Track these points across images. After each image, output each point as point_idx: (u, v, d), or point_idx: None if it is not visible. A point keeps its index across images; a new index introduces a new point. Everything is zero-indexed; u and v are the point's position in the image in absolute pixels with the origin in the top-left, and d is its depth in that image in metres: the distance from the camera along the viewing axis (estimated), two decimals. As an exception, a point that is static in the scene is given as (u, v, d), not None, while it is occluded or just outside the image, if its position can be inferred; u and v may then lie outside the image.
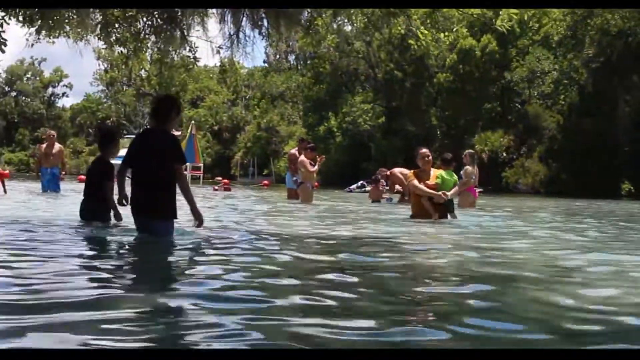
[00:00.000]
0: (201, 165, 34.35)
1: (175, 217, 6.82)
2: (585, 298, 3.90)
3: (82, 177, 41.57)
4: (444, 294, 4.08)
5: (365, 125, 54.84)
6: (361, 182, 34.35)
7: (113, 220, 7.90)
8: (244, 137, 75.58)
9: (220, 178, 39.68)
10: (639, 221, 14.27)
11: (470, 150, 17.60)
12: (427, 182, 11.13)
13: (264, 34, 12.56)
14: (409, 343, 2.75)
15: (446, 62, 50.89)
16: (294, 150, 18.71)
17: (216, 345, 2.63)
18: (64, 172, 18.42)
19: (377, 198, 19.35)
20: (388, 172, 19.83)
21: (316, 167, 16.56)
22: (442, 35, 14.79)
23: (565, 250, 6.77)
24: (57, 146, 18.07)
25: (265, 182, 44.78)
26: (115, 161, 7.77)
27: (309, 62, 65.90)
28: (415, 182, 11.18)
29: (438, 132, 52.96)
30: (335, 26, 13.66)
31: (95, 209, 8.00)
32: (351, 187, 34.23)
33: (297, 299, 3.62)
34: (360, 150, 53.82)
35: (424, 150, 11.60)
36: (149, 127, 7.22)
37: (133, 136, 11.58)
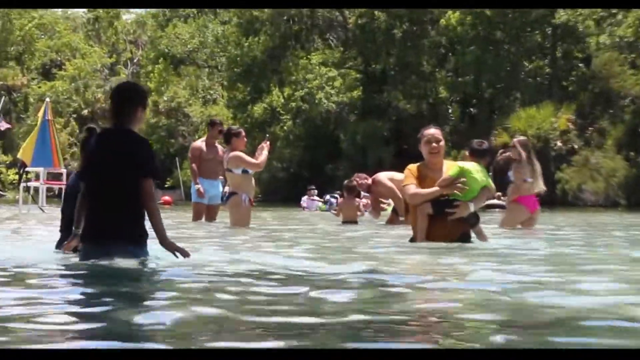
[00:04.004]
0: (63, 171, 33.52)
1: (146, 239, 8.17)
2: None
3: None
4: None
5: (330, 102, 55.62)
6: (328, 195, 35.34)
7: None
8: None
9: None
10: None
11: (522, 137, 18.32)
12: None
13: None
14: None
15: (461, -5, 51.49)
16: (200, 142, 19.23)
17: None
18: None
19: (353, 218, 19.56)
20: (369, 180, 20.07)
21: (263, 156, 16.35)
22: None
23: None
24: None
25: (166, 198, 47.07)
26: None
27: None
28: (412, 186, 11.21)
29: (450, 111, 54.52)
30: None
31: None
32: (309, 199, 36.13)
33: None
34: (322, 142, 55.49)
35: (431, 131, 11.46)
36: (107, 126, 8.70)
37: None
